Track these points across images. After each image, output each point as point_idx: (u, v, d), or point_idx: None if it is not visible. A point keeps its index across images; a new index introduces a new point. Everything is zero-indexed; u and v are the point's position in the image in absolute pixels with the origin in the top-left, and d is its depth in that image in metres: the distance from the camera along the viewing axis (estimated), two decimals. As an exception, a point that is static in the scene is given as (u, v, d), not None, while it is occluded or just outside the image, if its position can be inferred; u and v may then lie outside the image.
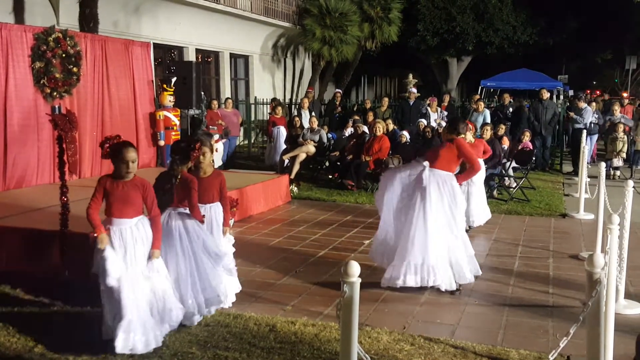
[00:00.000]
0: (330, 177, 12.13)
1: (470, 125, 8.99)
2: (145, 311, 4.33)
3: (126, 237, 4.30)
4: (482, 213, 8.28)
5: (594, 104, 14.49)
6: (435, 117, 14.32)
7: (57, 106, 5.91)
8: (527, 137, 12.20)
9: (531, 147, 11.99)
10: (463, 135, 6.03)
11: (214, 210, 5.13)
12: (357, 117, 13.72)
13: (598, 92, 37.89)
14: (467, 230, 8.00)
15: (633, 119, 13.89)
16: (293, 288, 5.82)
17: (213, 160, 5.32)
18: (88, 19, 11.90)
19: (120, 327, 4.18)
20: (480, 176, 8.34)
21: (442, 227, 5.59)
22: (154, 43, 14.55)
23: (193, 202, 4.73)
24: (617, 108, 14.16)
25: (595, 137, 14.15)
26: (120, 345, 4.16)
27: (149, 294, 4.39)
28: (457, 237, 5.68)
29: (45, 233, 6.03)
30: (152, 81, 11.39)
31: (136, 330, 4.21)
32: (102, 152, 4.33)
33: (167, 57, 17.91)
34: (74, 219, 5.93)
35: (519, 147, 11.74)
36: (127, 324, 4.19)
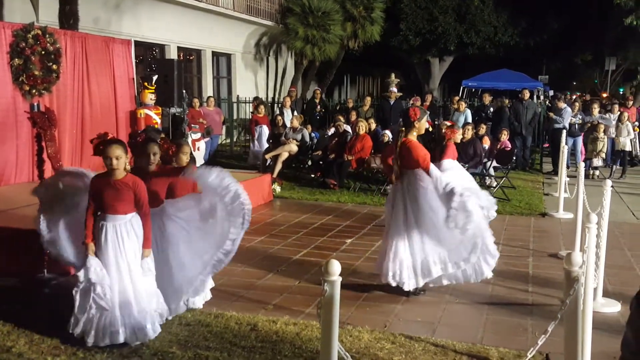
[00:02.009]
0: (312, 176, 12.13)
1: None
2: (120, 307, 4.35)
3: (120, 233, 4.34)
4: None
5: (577, 104, 14.35)
6: (418, 117, 14.33)
7: (36, 104, 5.87)
8: (505, 136, 12.27)
9: (510, 147, 12.08)
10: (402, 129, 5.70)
11: None
12: (340, 117, 13.72)
13: (578, 94, 38.28)
14: None
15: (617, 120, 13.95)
16: (274, 287, 5.81)
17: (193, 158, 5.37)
18: (68, 15, 11.76)
19: (92, 322, 4.28)
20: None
21: None
22: (135, 41, 14.43)
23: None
24: (595, 107, 14.30)
25: (580, 139, 13.75)
26: (92, 340, 4.26)
27: (127, 291, 4.40)
28: None
29: (24, 232, 5.96)
30: (133, 79, 11.30)
31: (109, 325, 4.29)
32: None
33: (149, 54, 17.77)
34: (53, 217, 5.86)
35: (498, 146, 11.83)
36: (98, 319, 4.29)
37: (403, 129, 5.62)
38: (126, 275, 4.38)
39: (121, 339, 4.30)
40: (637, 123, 14.80)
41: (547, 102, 19.35)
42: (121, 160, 4.33)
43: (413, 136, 5.56)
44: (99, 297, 4.30)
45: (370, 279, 6.03)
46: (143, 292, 4.45)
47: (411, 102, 15.13)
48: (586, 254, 4.33)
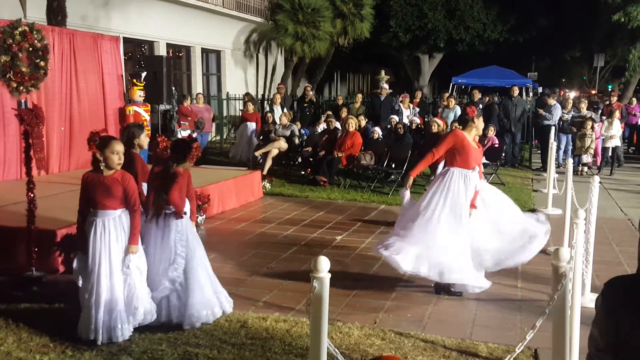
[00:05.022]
0: (302, 173, 12.11)
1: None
2: (121, 304, 4.38)
3: (109, 229, 4.35)
4: None
5: (570, 101, 14.29)
6: (408, 114, 14.40)
7: (23, 101, 5.82)
8: (491, 132, 12.23)
9: (498, 143, 12.09)
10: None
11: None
12: (329, 112, 13.72)
13: (562, 92, 38.48)
14: None
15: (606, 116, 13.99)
16: (265, 284, 5.81)
17: None
18: (56, 12, 11.67)
19: (100, 322, 4.30)
20: None
21: None
22: (123, 37, 14.36)
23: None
24: (584, 105, 14.36)
25: (570, 135, 13.69)
26: (104, 338, 4.29)
27: (123, 287, 4.42)
28: None
29: (12, 229, 5.93)
30: (122, 76, 11.23)
31: (113, 322, 4.33)
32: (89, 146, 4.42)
33: (137, 51, 17.69)
34: (41, 215, 5.84)
35: (485, 142, 11.82)
36: (102, 318, 4.31)
37: (460, 127, 5.76)
38: (115, 272, 4.36)
39: (126, 334, 4.39)
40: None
41: (535, 99, 19.35)
42: (121, 155, 4.37)
43: (471, 135, 5.67)
44: (81, 293, 4.39)
45: (360, 275, 6.05)
46: (123, 290, 4.43)
47: (400, 98, 15.16)
48: (574, 249, 4.35)
